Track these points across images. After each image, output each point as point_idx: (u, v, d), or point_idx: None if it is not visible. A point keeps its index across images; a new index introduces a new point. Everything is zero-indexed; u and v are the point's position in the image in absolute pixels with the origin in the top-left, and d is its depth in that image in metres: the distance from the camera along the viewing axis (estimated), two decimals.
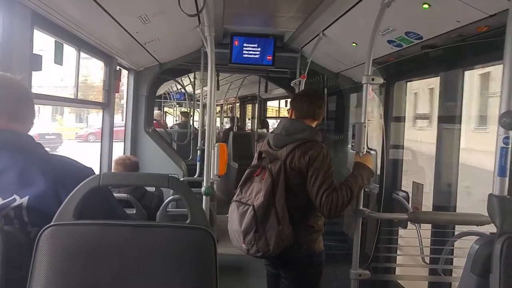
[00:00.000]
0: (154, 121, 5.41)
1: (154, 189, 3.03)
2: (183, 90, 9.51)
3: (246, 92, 9.15)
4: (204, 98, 9.07)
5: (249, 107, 11.57)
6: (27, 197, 1.03)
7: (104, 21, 2.44)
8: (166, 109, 10.84)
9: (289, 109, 2.32)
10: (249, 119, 11.63)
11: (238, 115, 10.51)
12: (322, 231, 2.14)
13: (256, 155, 2.21)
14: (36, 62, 1.99)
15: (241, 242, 2.03)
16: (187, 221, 1.06)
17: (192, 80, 6.25)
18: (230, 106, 12.30)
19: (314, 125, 2.20)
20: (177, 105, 10.25)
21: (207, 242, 1.01)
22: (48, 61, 2.17)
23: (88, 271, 0.97)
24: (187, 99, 9.58)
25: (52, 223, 0.99)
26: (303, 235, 2.04)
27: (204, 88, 7.32)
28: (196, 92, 6.77)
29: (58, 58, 2.40)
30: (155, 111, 6.89)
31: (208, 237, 1.01)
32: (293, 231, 1.99)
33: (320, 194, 1.94)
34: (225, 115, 12.61)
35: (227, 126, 10.69)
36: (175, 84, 7.67)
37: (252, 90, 8.77)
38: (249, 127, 11.14)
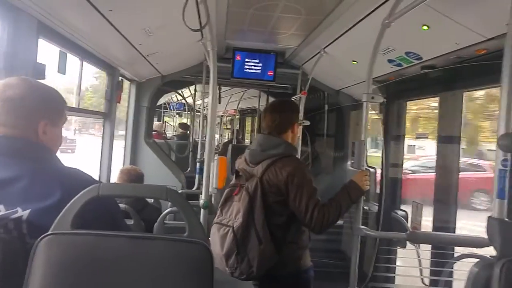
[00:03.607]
0: (154, 132, 5.41)
1: (153, 201, 3.01)
2: (183, 101, 9.57)
3: (247, 105, 9.18)
4: (205, 109, 9.11)
5: (248, 120, 11.58)
6: (28, 211, 1.01)
7: (108, 32, 2.47)
8: (166, 118, 10.87)
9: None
10: (248, 133, 11.59)
11: (237, 128, 10.50)
12: (307, 247, 2.07)
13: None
14: (39, 71, 2.01)
15: (224, 266, 1.95)
16: (185, 234, 1.05)
17: (193, 92, 6.28)
18: (230, 118, 12.31)
19: (289, 139, 2.11)
20: (177, 115, 10.27)
21: (204, 256, 0.99)
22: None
23: (83, 282, 0.96)
24: (187, 110, 9.62)
25: (49, 232, 0.98)
26: (287, 252, 1.96)
27: (205, 100, 7.34)
28: (197, 103, 6.77)
29: (62, 68, 2.42)
30: (155, 122, 6.91)
31: (206, 252, 1.00)
32: (276, 249, 1.91)
33: (311, 210, 1.88)
34: (224, 127, 12.59)
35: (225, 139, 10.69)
36: (176, 94, 7.73)
37: (252, 103, 8.81)
38: (248, 141, 11.13)
